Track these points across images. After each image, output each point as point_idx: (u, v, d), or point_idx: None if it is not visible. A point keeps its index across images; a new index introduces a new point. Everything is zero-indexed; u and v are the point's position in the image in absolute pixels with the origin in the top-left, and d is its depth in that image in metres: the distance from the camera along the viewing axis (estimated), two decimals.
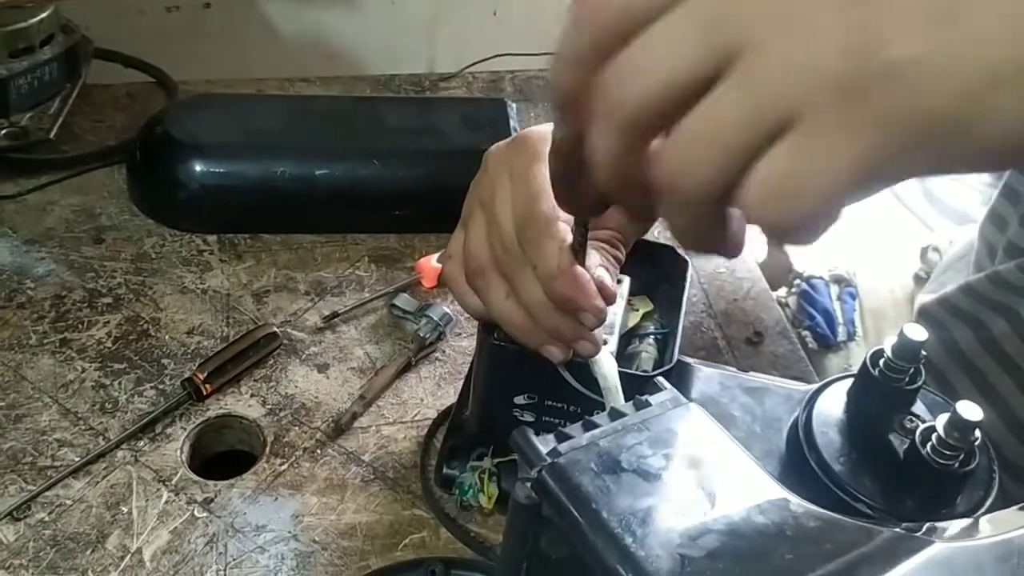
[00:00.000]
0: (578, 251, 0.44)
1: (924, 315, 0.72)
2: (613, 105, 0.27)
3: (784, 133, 0.25)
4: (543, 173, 0.44)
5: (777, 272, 0.87)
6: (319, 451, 0.60)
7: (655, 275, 0.54)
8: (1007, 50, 0.25)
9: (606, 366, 0.44)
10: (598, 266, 0.45)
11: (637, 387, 0.42)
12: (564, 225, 0.44)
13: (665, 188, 0.27)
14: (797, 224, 0.26)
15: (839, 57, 0.25)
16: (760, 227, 0.28)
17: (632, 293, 0.52)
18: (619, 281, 0.50)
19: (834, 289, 0.84)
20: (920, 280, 0.84)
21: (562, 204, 0.38)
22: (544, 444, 0.36)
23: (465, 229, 0.47)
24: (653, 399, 0.39)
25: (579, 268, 0.44)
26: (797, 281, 0.86)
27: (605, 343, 0.47)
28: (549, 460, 0.35)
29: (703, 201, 0.27)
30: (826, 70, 0.25)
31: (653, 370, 0.48)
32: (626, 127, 0.27)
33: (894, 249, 0.88)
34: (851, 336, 0.81)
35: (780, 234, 0.27)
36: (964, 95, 0.25)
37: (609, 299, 0.44)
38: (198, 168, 0.72)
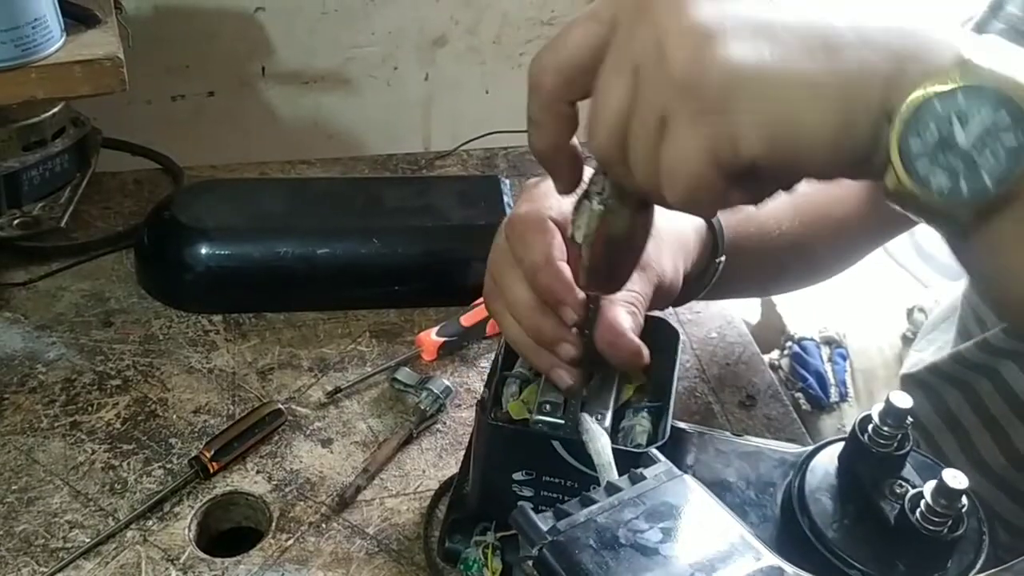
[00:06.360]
0: (584, 324, 0.46)
1: (912, 380, 0.74)
2: (533, 83, 0.38)
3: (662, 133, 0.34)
4: (546, 189, 0.49)
5: (769, 334, 0.89)
6: (324, 525, 0.61)
7: (647, 347, 0.56)
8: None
9: (599, 442, 0.46)
10: (618, 317, 0.47)
11: (632, 461, 0.44)
12: (553, 226, 0.47)
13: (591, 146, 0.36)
14: (685, 198, 0.34)
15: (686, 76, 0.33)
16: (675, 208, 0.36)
17: None
18: None
19: (825, 351, 0.85)
20: (908, 340, 0.85)
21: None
22: (544, 522, 0.37)
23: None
24: (648, 472, 0.41)
25: (564, 265, 0.46)
26: (788, 343, 0.87)
27: (600, 418, 0.48)
28: (549, 538, 0.36)
29: (606, 161, 0.36)
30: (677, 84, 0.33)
31: (647, 443, 0.50)
32: (541, 96, 0.38)
33: (882, 309, 0.90)
34: (843, 397, 0.83)
35: (682, 208, 0.35)
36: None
37: (635, 351, 0.47)
38: (204, 251, 0.75)
